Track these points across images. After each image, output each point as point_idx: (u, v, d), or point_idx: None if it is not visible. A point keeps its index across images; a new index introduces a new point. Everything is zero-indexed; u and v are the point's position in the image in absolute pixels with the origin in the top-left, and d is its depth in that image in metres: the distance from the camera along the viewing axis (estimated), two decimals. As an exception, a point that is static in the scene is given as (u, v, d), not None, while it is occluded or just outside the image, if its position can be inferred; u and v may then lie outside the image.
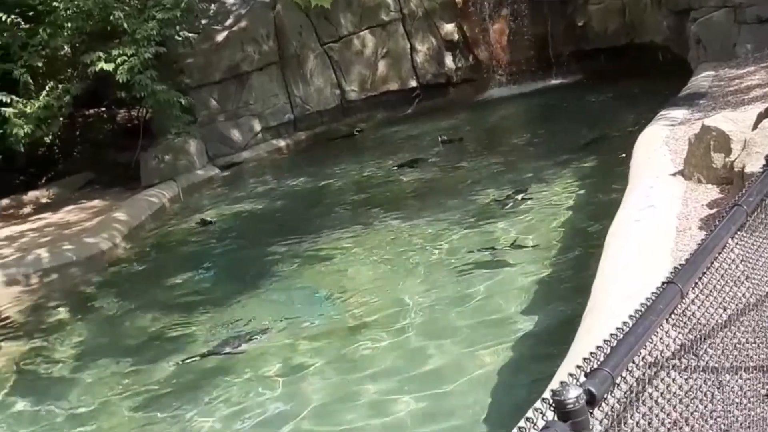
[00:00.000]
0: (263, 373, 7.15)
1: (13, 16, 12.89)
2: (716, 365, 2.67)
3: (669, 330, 2.41)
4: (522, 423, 1.85)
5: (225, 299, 9.04)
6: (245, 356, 7.52)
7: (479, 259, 8.58)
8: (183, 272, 10.32)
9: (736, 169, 6.72)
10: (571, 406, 1.88)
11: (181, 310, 9.04)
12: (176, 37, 14.13)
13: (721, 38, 12.81)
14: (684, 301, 2.51)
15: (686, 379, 2.48)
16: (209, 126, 15.59)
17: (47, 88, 13.34)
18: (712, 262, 2.75)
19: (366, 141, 15.83)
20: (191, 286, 9.87)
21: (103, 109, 16.99)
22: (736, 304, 2.86)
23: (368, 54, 16.77)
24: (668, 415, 2.32)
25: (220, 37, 15.66)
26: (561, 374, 4.46)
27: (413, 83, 17.12)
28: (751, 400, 2.87)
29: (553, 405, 1.89)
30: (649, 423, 2.23)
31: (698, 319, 2.59)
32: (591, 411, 1.94)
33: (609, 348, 2.12)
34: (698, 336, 2.57)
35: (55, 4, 13.00)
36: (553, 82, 16.67)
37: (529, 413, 1.89)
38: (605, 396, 2.01)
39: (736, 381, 2.79)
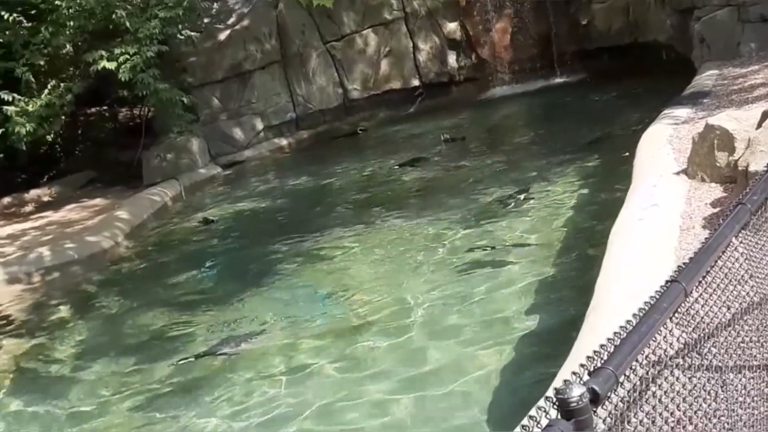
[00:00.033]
0: (265, 372, 7.14)
1: (15, 15, 12.91)
2: (720, 364, 2.66)
3: (673, 329, 2.39)
4: (525, 421, 1.83)
5: (227, 298, 9.04)
6: (247, 355, 7.51)
7: (481, 258, 8.57)
8: (185, 271, 10.32)
9: (739, 168, 6.70)
10: (575, 404, 1.87)
11: (183, 309, 9.03)
12: (178, 35, 14.14)
13: (725, 37, 12.79)
14: (688, 299, 2.50)
15: (690, 378, 2.47)
16: (211, 125, 15.60)
17: (49, 86, 13.34)
18: (716, 261, 2.74)
19: (368, 140, 15.82)
20: (193, 284, 9.87)
21: (105, 107, 17.01)
22: (740, 303, 2.85)
23: (371, 53, 16.77)
24: (672, 413, 2.31)
25: (222, 36, 15.67)
26: (564, 373, 4.44)
27: (416, 82, 17.12)
28: (755, 398, 2.85)
29: (557, 403, 1.88)
30: (653, 422, 2.21)
31: (702, 317, 2.57)
32: (594, 409, 1.93)
33: (612, 346, 2.11)
34: (702, 335, 2.56)
35: (57, 2, 13.01)
36: (556, 81, 16.65)
37: (533, 411, 1.88)
38: (609, 394, 2.00)
39: (740, 380, 2.77)
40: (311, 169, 14.20)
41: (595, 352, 2.09)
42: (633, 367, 2.13)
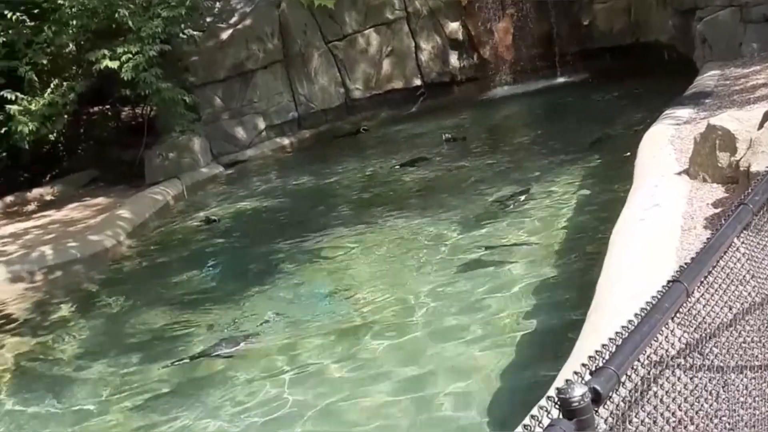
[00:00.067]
0: (267, 372, 7.13)
1: (18, 14, 12.93)
2: (721, 364, 2.66)
3: (674, 329, 2.40)
4: (527, 421, 1.84)
5: (228, 297, 9.04)
6: (248, 355, 7.51)
7: (482, 258, 8.57)
8: (187, 270, 10.32)
9: (741, 168, 6.70)
10: (577, 404, 1.87)
11: (185, 308, 9.03)
12: (181, 35, 14.16)
13: (726, 37, 12.79)
14: (689, 299, 2.50)
15: (691, 378, 2.47)
16: (213, 124, 15.61)
17: (52, 85, 13.36)
18: (718, 261, 2.74)
19: (370, 139, 15.83)
20: (195, 284, 9.87)
21: (108, 106, 17.00)
22: (742, 303, 2.85)
23: (373, 52, 16.78)
24: (673, 413, 2.31)
25: (224, 35, 15.68)
26: (565, 372, 4.45)
27: (418, 82, 17.13)
28: (757, 399, 2.86)
29: (559, 403, 1.88)
30: (654, 422, 2.22)
31: (704, 317, 2.58)
32: (596, 409, 1.94)
33: (614, 346, 2.11)
34: (703, 335, 2.56)
35: (60, 1, 13.02)
36: (558, 81, 16.66)
37: (534, 411, 1.89)
38: (610, 394, 2.00)
39: (742, 380, 2.78)
40: (313, 168, 14.21)
41: (596, 351, 2.09)
42: (635, 367, 2.14)
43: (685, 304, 2.47)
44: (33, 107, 12.95)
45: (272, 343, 7.63)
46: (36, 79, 13.32)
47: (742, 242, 2.94)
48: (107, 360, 8.10)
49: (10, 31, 13.09)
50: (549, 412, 1.88)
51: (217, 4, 16.10)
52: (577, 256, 8.07)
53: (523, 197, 10.10)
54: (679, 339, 2.41)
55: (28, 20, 13.11)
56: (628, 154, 9.48)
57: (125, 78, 13.04)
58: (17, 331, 9.36)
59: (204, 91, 15.51)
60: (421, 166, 12.87)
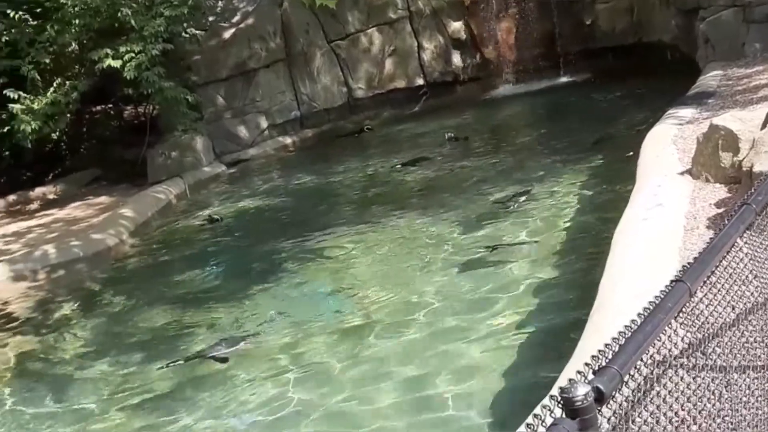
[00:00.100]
0: (270, 371, 7.13)
1: (21, 13, 12.94)
2: (724, 364, 2.66)
3: (677, 328, 2.40)
4: (530, 420, 1.84)
5: (231, 296, 9.05)
6: (251, 354, 7.51)
7: (484, 257, 8.57)
8: (189, 269, 10.33)
9: (744, 169, 6.70)
10: (580, 403, 1.87)
11: (187, 307, 9.03)
12: (183, 34, 14.16)
13: (729, 37, 12.79)
14: (692, 299, 2.50)
15: (694, 378, 2.47)
16: (216, 123, 15.62)
17: (55, 84, 13.37)
18: (721, 261, 2.74)
19: (372, 139, 15.83)
20: (198, 283, 9.88)
21: (110, 105, 17.01)
22: (745, 303, 2.85)
23: (375, 52, 16.78)
24: (676, 413, 2.31)
25: (227, 35, 15.68)
26: (568, 372, 4.45)
27: (420, 81, 17.14)
28: (759, 399, 2.86)
29: (561, 402, 1.88)
30: (657, 421, 2.22)
31: (706, 317, 2.58)
32: (599, 409, 1.94)
33: (617, 346, 2.11)
34: (706, 334, 2.56)
35: (62, 0, 13.02)
36: (561, 80, 16.66)
37: (537, 410, 1.89)
38: (613, 394, 2.00)
39: (744, 380, 2.78)
40: (315, 167, 14.22)
41: (599, 351, 2.09)
42: (638, 367, 2.13)
43: (688, 304, 2.47)
44: (36, 106, 12.96)
45: (274, 343, 7.63)
46: (39, 78, 13.33)
47: (745, 242, 2.94)
48: (109, 359, 8.10)
49: (13, 30, 13.10)
50: (552, 411, 1.88)
51: (220, 3, 16.10)
52: (578, 255, 8.06)
53: (525, 197, 10.09)
54: (682, 339, 2.41)
55: (30, 19, 13.12)
56: (631, 153, 9.48)
57: (128, 77, 13.05)
58: (20, 329, 9.36)
59: (206, 90, 15.51)
60: (423, 165, 12.87)
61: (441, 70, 17.17)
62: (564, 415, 1.88)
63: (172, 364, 7.58)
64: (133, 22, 13.08)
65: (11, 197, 14.38)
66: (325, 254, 9.80)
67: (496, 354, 6.57)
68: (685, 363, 2.44)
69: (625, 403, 2.08)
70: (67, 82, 13.56)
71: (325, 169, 13.93)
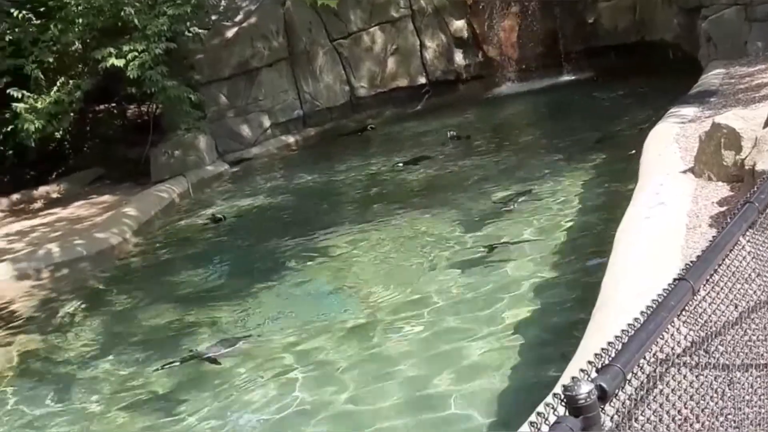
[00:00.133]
0: (273, 371, 7.13)
1: (24, 12, 12.94)
2: (727, 362, 2.67)
3: (680, 327, 2.40)
4: (533, 418, 1.85)
5: (234, 295, 9.06)
6: (255, 354, 7.51)
7: (487, 256, 8.57)
8: (192, 268, 10.34)
9: (746, 167, 6.71)
10: (583, 401, 1.88)
11: (191, 306, 9.04)
12: (186, 33, 14.16)
13: (732, 36, 12.78)
14: (695, 297, 2.51)
15: (697, 376, 2.48)
16: (219, 122, 15.63)
17: (58, 83, 13.37)
18: (724, 260, 2.75)
19: (375, 137, 15.84)
20: (201, 281, 9.89)
21: (114, 104, 17.02)
22: (748, 302, 2.86)
23: (378, 50, 16.78)
24: (679, 411, 2.32)
25: (230, 33, 15.69)
26: (571, 370, 4.46)
27: (422, 80, 17.14)
28: (762, 397, 2.87)
29: (565, 400, 1.89)
30: (660, 419, 2.23)
31: (709, 316, 2.58)
32: (602, 407, 1.95)
33: (620, 344, 2.12)
34: (709, 333, 2.57)
35: (66, 0, 13.03)
36: (563, 79, 16.65)
37: (540, 408, 1.90)
38: (616, 392, 2.01)
39: (747, 378, 2.78)
40: (318, 166, 14.23)
41: (602, 349, 2.10)
42: (641, 365, 2.14)
43: (690, 302, 2.48)
44: (39, 105, 12.97)
45: (278, 342, 7.64)
46: (42, 77, 13.32)
47: (748, 240, 2.94)
48: (112, 358, 8.11)
49: (17, 29, 13.11)
50: (555, 409, 1.89)
51: (223, 2, 16.10)
52: (581, 254, 8.07)
53: (527, 196, 10.09)
54: (685, 337, 2.42)
55: (34, 18, 13.13)
56: (633, 152, 9.48)
57: (131, 76, 13.05)
58: (23, 328, 9.37)
59: (209, 89, 15.53)
60: (425, 164, 12.87)
61: (443, 69, 17.17)
62: (567, 413, 1.89)
63: (175, 364, 7.57)
64: (136, 21, 13.08)
65: (15, 196, 14.39)
66: (328, 253, 9.80)
67: (498, 353, 6.57)
68: (688, 361, 2.44)
69: (628, 401, 2.09)
70: (71, 81, 13.56)
71: (328, 168, 13.94)
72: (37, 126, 12.91)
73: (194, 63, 15.39)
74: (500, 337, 6.83)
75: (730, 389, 2.65)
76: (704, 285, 2.59)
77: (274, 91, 16.08)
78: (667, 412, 2.26)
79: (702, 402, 2.47)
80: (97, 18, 13.35)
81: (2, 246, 11.86)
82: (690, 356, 2.46)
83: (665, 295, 2.39)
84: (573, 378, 1.93)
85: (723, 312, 2.67)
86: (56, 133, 14.30)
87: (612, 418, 2.01)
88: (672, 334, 2.34)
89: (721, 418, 2.58)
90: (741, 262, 2.87)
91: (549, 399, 1.92)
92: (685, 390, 2.38)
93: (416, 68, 17.06)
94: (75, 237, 11.59)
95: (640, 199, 7.27)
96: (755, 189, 3.18)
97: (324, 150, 15.41)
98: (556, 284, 7.54)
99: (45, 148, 14.86)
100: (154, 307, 9.24)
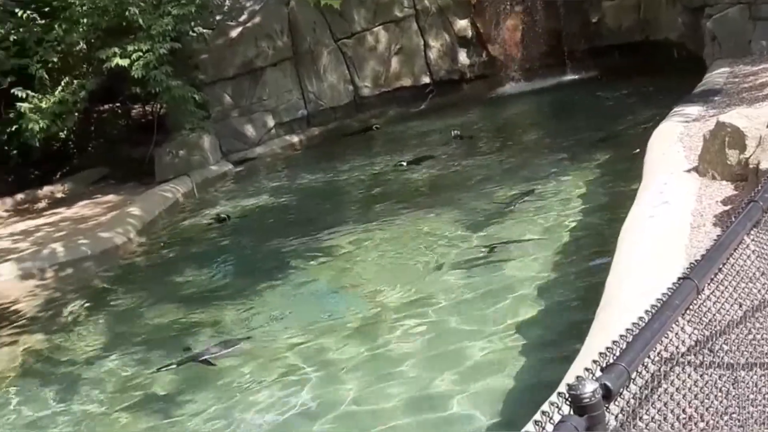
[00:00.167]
0: (277, 371, 7.13)
1: (29, 12, 12.96)
2: (731, 361, 2.67)
3: (684, 326, 2.41)
4: (538, 417, 1.85)
5: (238, 295, 9.06)
6: (258, 354, 7.52)
7: (490, 255, 8.56)
8: (196, 267, 10.35)
9: (750, 166, 6.70)
10: (588, 400, 1.88)
11: (195, 305, 9.04)
12: (191, 32, 14.17)
13: (736, 35, 12.77)
14: (700, 296, 2.51)
15: (701, 375, 2.48)
16: (223, 121, 15.64)
17: (62, 83, 13.39)
18: (728, 258, 2.75)
19: (379, 137, 15.84)
20: (205, 281, 9.90)
21: (118, 104, 17.03)
22: (752, 300, 2.86)
23: (381, 50, 16.78)
24: (683, 410, 2.32)
25: (234, 33, 15.70)
26: (575, 369, 4.46)
27: (426, 79, 17.13)
28: (767, 396, 2.87)
29: (570, 399, 1.89)
30: (664, 418, 2.23)
31: (714, 315, 2.59)
32: (607, 405, 1.95)
33: (625, 343, 2.13)
34: (714, 332, 2.57)
35: (70, 0, 13.05)
36: (567, 78, 16.64)
37: (545, 407, 1.90)
38: (621, 391, 2.02)
39: (752, 377, 2.78)
40: (322, 166, 14.24)
41: (607, 348, 2.10)
42: (645, 364, 2.15)
43: (695, 301, 2.48)
44: (44, 105, 12.99)
45: (282, 342, 7.64)
46: (47, 77, 13.34)
47: (752, 239, 2.95)
48: (116, 358, 8.10)
49: (21, 29, 13.13)
50: (560, 408, 1.89)
51: (227, 2, 16.12)
52: (585, 253, 8.07)
53: (531, 195, 10.09)
54: (689, 336, 2.42)
55: (38, 18, 13.15)
56: (637, 151, 9.47)
57: (135, 76, 13.06)
58: (27, 327, 9.39)
59: (214, 89, 15.54)
60: (429, 163, 12.87)
61: (447, 68, 17.17)
62: (572, 412, 1.89)
63: (178, 364, 7.56)
64: (140, 21, 13.09)
65: (19, 196, 14.42)
66: (331, 253, 9.80)
67: (501, 353, 6.57)
68: (693, 360, 2.45)
69: (632, 400, 2.10)
70: (75, 81, 13.58)
71: (332, 168, 13.94)
72: (41, 126, 12.93)
73: (199, 63, 15.40)
74: (503, 336, 6.82)
75: (734, 388, 2.65)
76: (709, 284, 2.59)
77: (278, 91, 16.09)
78: (672, 411, 2.26)
79: (706, 401, 2.47)
80: (102, 18, 13.36)
81: (7, 245, 11.88)
82: (694, 355, 2.46)
83: (670, 294, 2.39)
84: (578, 377, 1.94)
85: (727, 311, 2.67)
86: (60, 133, 14.33)
87: (617, 417, 2.01)
88: (676, 333, 2.35)
89: (726, 417, 2.58)
90: (745, 261, 2.87)
91: (554, 398, 1.93)
92: (690, 389, 2.39)
93: (420, 68, 17.06)
94: (79, 236, 11.60)
95: (644, 198, 7.26)
96: (760, 188, 3.18)
97: (328, 150, 15.41)
98: (559, 284, 7.54)
99: (49, 147, 14.88)
100: (158, 306, 9.25)
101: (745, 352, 2.78)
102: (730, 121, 7.30)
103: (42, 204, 14.24)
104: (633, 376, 2.07)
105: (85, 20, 13.17)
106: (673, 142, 8.80)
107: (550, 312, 7.05)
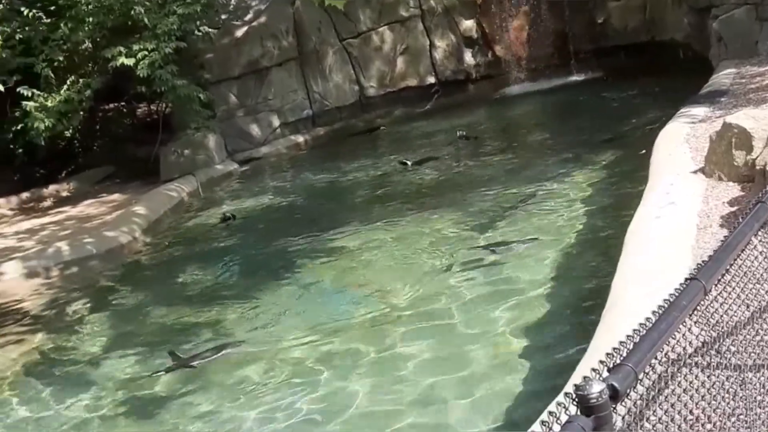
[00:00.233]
0: (282, 372, 7.12)
1: (34, 11, 12.98)
2: (739, 363, 2.66)
3: (692, 326, 2.40)
4: (545, 417, 1.84)
5: (243, 294, 9.07)
6: (262, 354, 7.52)
7: (495, 256, 8.55)
8: (201, 266, 10.36)
9: (757, 167, 6.68)
10: (595, 400, 1.87)
11: (200, 305, 9.04)
12: (196, 32, 14.17)
13: (742, 35, 12.74)
14: (707, 297, 2.50)
15: (708, 376, 2.47)
16: (228, 121, 15.65)
17: (68, 82, 13.41)
18: (735, 259, 2.74)
19: (384, 137, 15.84)
20: (210, 281, 9.90)
21: (123, 103, 17.08)
22: (759, 302, 2.85)
23: (387, 50, 16.78)
24: (690, 411, 2.31)
25: (239, 33, 15.72)
26: (581, 370, 4.45)
27: (432, 79, 17.13)
28: (774, 398, 2.86)
29: (576, 399, 1.89)
30: (671, 419, 2.22)
31: (721, 315, 2.57)
32: (614, 406, 1.94)
33: (632, 343, 2.12)
34: (721, 333, 2.56)
35: (76, -1, 13.09)
36: (573, 79, 16.63)
37: (552, 407, 1.89)
38: (628, 391, 2.01)
39: (759, 379, 2.77)
40: (327, 166, 14.24)
41: (614, 348, 2.09)
42: (652, 365, 2.14)
43: (702, 302, 2.47)
44: (49, 104, 13.01)
45: (287, 342, 7.63)
46: (52, 75, 13.36)
47: (760, 240, 2.93)
48: (120, 357, 8.10)
49: (27, 28, 13.14)
50: (567, 409, 1.88)
51: (232, 2, 16.14)
52: (591, 254, 8.05)
53: (536, 196, 10.08)
54: (697, 337, 2.41)
55: (44, 17, 13.16)
56: (644, 152, 9.46)
57: (141, 75, 13.08)
58: (32, 326, 9.40)
59: (219, 88, 15.55)
60: (434, 164, 12.87)
61: (453, 69, 17.16)
62: (579, 413, 1.88)
63: (182, 364, 7.57)
64: (146, 20, 13.11)
65: (25, 194, 14.45)
66: (336, 252, 9.80)
67: (506, 354, 6.56)
68: (700, 361, 2.44)
69: (639, 401, 2.09)
70: (81, 80, 13.60)
71: (337, 168, 13.94)
72: (47, 124, 12.95)
73: (204, 62, 15.42)
74: (508, 337, 6.82)
75: (741, 389, 2.64)
76: (716, 285, 2.58)
77: (283, 91, 16.10)
78: (679, 412, 2.25)
79: (713, 402, 2.46)
80: (107, 17, 13.38)
81: (12, 244, 11.91)
82: (701, 356, 2.45)
83: (677, 294, 2.38)
84: (585, 377, 1.93)
85: (734, 312, 2.66)
86: (66, 132, 14.36)
87: (623, 417, 2.00)
88: (683, 334, 2.33)
89: (733, 419, 2.57)
90: (753, 262, 2.86)
91: (560, 398, 1.92)
92: (697, 390, 2.38)
93: (425, 68, 17.05)
94: (84, 235, 11.62)
95: (651, 199, 7.25)
96: (766, 189, 3.17)
97: (333, 149, 15.41)
98: (565, 283, 7.53)
99: (55, 146, 14.91)
100: (163, 306, 9.25)
101: (753, 354, 2.76)
102: (737, 122, 7.28)
103: (47, 203, 14.27)
104: (640, 376, 2.06)
105: (90, 19, 13.19)
106: (680, 143, 8.78)
107: (557, 313, 7.03)
